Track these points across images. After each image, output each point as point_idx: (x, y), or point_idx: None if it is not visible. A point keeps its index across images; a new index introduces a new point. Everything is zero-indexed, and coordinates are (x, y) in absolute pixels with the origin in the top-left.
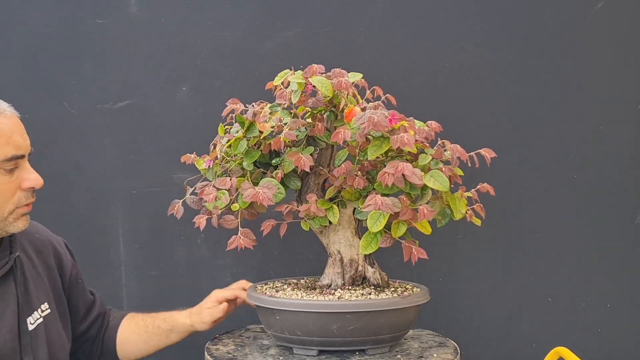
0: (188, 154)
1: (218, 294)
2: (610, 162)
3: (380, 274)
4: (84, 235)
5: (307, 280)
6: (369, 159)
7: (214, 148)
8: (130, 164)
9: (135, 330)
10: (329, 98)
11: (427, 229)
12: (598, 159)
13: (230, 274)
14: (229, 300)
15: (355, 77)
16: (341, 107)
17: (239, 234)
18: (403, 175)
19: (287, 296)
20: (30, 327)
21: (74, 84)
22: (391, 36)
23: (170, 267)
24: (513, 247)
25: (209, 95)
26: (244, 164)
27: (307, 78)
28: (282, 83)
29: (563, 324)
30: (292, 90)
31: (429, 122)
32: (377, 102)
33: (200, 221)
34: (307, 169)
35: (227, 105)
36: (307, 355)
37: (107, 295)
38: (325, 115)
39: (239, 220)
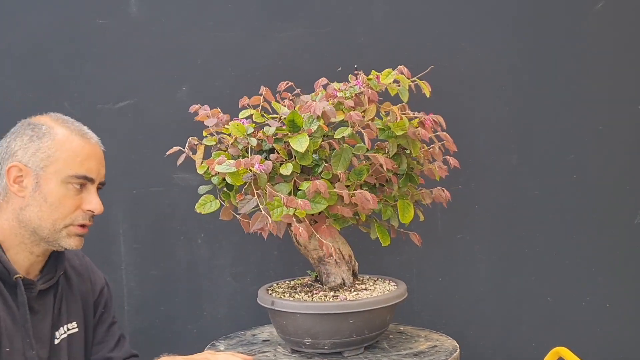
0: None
1: (209, 355)
2: (610, 162)
3: None
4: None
5: (302, 283)
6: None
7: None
8: (130, 164)
9: None
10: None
11: None
12: (598, 159)
13: (230, 274)
14: None
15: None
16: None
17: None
18: None
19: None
20: (56, 341)
21: (74, 84)
22: (391, 36)
23: (170, 267)
24: (513, 247)
25: (209, 95)
26: (289, 166)
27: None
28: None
29: (563, 324)
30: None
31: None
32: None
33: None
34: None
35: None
36: (356, 355)
37: None
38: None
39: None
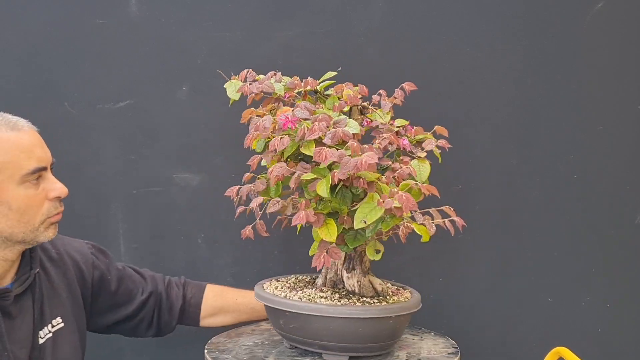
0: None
1: None
2: (611, 162)
3: (360, 281)
4: (84, 235)
5: (309, 278)
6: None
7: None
8: (130, 164)
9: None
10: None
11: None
12: (598, 159)
13: (230, 274)
14: None
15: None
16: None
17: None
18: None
19: (269, 291)
20: (41, 341)
21: (74, 84)
22: (391, 36)
23: (170, 267)
24: (513, 247)
25: (209, 95)
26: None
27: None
28: None
29: (563, 324)
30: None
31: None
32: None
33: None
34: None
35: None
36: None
37: None
38: None
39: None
